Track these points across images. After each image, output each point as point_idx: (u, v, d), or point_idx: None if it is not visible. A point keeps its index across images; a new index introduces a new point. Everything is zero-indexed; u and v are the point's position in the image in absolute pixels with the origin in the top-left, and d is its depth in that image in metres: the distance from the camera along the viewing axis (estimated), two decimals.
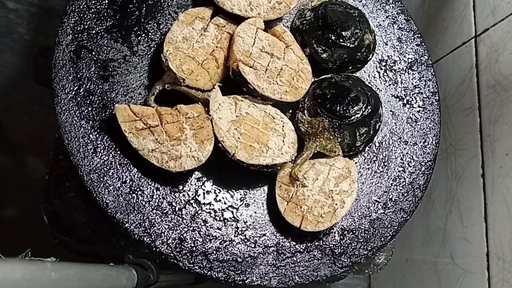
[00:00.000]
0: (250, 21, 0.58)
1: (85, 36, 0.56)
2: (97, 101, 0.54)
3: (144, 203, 0.52)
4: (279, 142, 0.55)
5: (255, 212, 0.56)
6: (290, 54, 0.59)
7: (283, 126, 0.57)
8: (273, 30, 0.60)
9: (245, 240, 0.55)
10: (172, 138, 0.51)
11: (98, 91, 0.55)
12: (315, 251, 0.56)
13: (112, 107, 0.54)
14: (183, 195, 0.54)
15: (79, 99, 0.53)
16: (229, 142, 0.52)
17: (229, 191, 0.56)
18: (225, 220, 0.55)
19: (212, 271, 0.52)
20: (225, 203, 0.55)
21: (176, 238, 0.52)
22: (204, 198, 0.55)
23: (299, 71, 0.59)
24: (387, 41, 0.68)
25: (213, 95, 0.54)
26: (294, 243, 0.56)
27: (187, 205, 0.54)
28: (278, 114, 0.58)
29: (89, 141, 0.52)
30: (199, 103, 0.56)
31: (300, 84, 0.58)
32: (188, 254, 0.52)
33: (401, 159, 0.63)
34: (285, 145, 0.56)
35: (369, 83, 0.65)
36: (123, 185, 0.52)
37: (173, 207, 0.53)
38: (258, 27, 0.58)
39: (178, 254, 0.52)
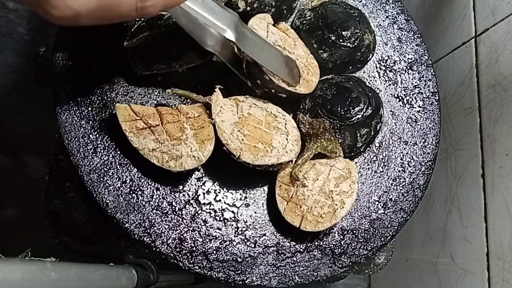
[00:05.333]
0: (260, 16, 0.58)
1: (85, 36, 0.56)
2: (97, 101, 0.54)
3: (144, 203, 0.52)
4: (283, 141, 0.55)
5: (255, 212, 0.56)
6: (299, 49, 0.59)
7: (285, 124, 0.57)
8: (278, 27, 0.60)
9: (245, 240, 0.55)
10: (172, 137, 0.51)
11: (98, 91, 0.55)
12: (315, 251, 0.56)
13: (112, 107, 0.54)
14: (183, 195, 0.54)
15: (79, 99, 0.53)
16: (233, 145, 0.52)
17: (229, 191, 0.56)
18: (225, 220, 0.55)
19: (212, 271, 0.52)
20: (225, 203, 0.55)
21: (176, 238, 0.52)
22: (204, 198, 0.55)
23: (308, 65, 0.59)
24: (387, 41, 0.68)
25: (214, 98, 0.54)
26: (294, 243, 0.56)
27: (187, 205, 0.54)
28: (280, 112, 0.58)
29: (89, 141, 0.52)
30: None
31: (311, 77, 0.58)
32: (188, 254, 0.52)
33: (401, 159, 0.63)
34: (289, 143, 0.56)
35: (369, 83, 0.65)
36: (123, 185, 0.52)
37: (173, 207, 0.53)
38: (269, 22, 0.58)
39: (178, 254, 0.52)
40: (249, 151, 0.53)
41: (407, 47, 0.68)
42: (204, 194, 0.55)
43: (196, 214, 0.54)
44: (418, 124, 0.65)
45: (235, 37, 0.49)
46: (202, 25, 0.50)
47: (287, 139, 0.56)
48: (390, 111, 0.65)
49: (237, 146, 0.52)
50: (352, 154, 0.60)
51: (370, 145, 0.62)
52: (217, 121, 0.53)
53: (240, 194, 0.56)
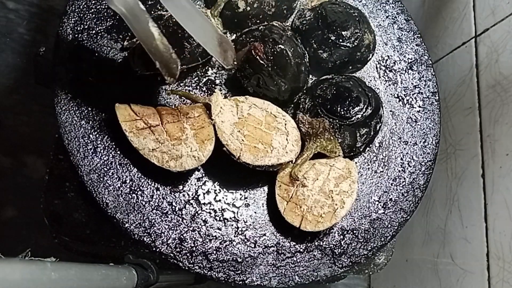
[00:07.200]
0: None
1: (85, 36, 0.56)
2: (97, 101, 0.54)
3: (144, 203, 0.52)
4: (283, 141, 0.55)
5: (255, 212, 0.56)
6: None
7: (285, 124, 0.57)
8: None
9: (245, 240, 0.55)
10: (172, 137, 0.51)
11: (98, 91, 0.55)
12: (315, 251, 0.56)
13: (112, 107, 0.54)
14: (183, 195, 0.54)
15: (79, 99, 0.53)
16: (233, 145, 0.52)
17: (229, 191, 0.56)
18: (225, 220, 0.55)
19: (212, 271, 0.52)
20: (225, 203, 0.55)
21: (176, 238, 0.52)
22: (204, 198, 0.55)
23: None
24: (387, 41, 0.68)
25: (214, 99, 0.54)
26: (294, 243, 0.56)
27: (187, 205, 0.54)
28: (280, 112, 0.58)
29: (89, 141, 0.52)
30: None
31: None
32: (188, 254, 0.52)
33: (401, 159, 0.63)
34: (289, 143, 0.56)
35: (369, 83, 0.65)
36: (123, 185, 0.52)
37: (173, 207, 0.53)
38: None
39: (178, 254, 0.52)
40: (249, 152, 0.53)
41: (407, 47, 0.68)
42: (204, 194, 0.55)
43: (196, 214, 0.54)
44: (418, 124, 0.65)
45: None
46: None
47: (287, 140, 0.56)
48: (390, 111, 0.65)
49: (237, 146, 0.52)
50: (352, 154, 0.60)
51: (370, 145, 0.62)
52: (217, 121, 0.53)
53: (240, 194, 0.56)
